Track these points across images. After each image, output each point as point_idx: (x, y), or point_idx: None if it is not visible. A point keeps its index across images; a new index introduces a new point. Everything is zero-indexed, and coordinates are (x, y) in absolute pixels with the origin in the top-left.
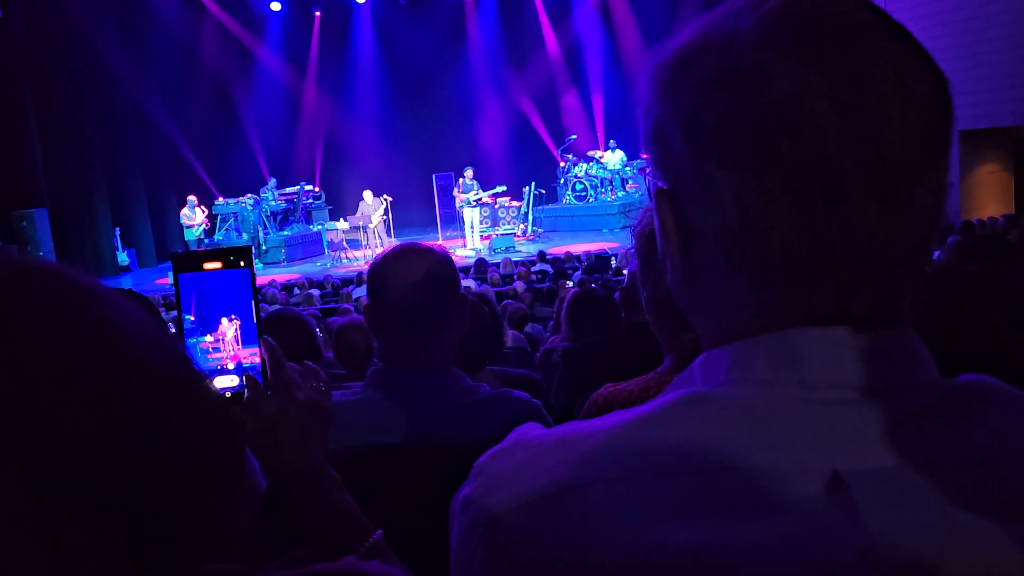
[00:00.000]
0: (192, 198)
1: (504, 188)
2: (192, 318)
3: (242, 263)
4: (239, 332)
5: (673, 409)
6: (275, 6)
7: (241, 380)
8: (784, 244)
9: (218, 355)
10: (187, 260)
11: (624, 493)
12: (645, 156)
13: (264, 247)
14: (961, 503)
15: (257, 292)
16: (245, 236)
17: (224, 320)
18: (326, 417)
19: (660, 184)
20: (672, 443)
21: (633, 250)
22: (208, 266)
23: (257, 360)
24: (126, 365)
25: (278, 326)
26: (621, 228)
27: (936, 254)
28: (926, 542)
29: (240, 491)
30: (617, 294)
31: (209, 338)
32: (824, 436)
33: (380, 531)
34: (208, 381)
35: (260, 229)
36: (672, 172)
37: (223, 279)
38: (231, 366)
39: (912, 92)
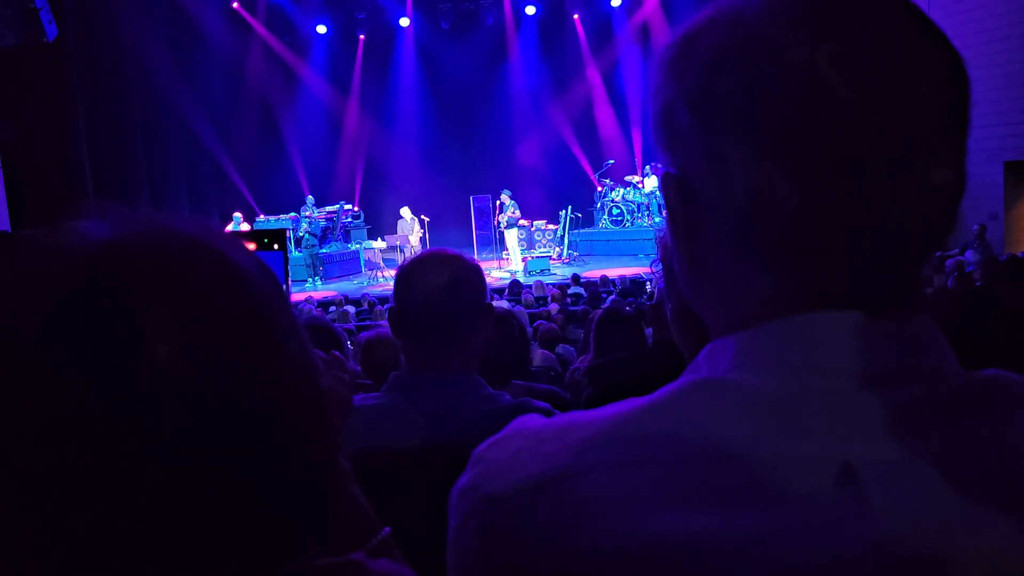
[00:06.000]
0: (238, 215)
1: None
2: None
3: (276, 246)
4: None
5: (675, 396)
6: (321, 29)
7: None
8: (795, 221)
9: None
10: None
11: (625, 480)
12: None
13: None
14: (975, 496)
15: (289, 275)
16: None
17: None
18: (345, 407)
19: (668, 169)
20: (674, 430)
21: (659, 260)
22: None
23: None
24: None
25: (307, 332)
26: None
27: (978, 283)
28: (938, 536)
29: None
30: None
31: None
32: (833, 425)
33: (388, 528)
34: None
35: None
36: (679, 153)
37: None
38: None
39: (927, 66)
